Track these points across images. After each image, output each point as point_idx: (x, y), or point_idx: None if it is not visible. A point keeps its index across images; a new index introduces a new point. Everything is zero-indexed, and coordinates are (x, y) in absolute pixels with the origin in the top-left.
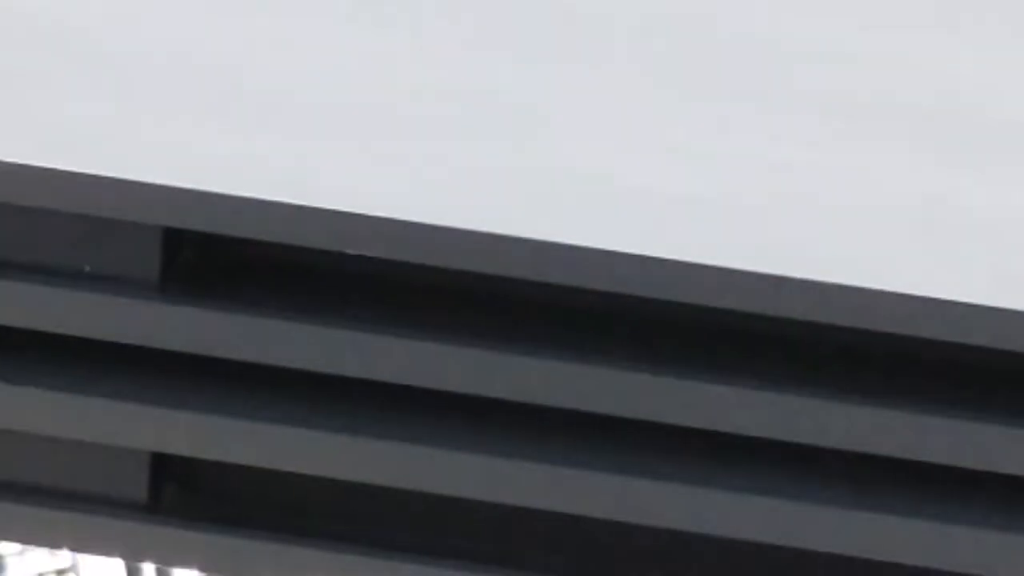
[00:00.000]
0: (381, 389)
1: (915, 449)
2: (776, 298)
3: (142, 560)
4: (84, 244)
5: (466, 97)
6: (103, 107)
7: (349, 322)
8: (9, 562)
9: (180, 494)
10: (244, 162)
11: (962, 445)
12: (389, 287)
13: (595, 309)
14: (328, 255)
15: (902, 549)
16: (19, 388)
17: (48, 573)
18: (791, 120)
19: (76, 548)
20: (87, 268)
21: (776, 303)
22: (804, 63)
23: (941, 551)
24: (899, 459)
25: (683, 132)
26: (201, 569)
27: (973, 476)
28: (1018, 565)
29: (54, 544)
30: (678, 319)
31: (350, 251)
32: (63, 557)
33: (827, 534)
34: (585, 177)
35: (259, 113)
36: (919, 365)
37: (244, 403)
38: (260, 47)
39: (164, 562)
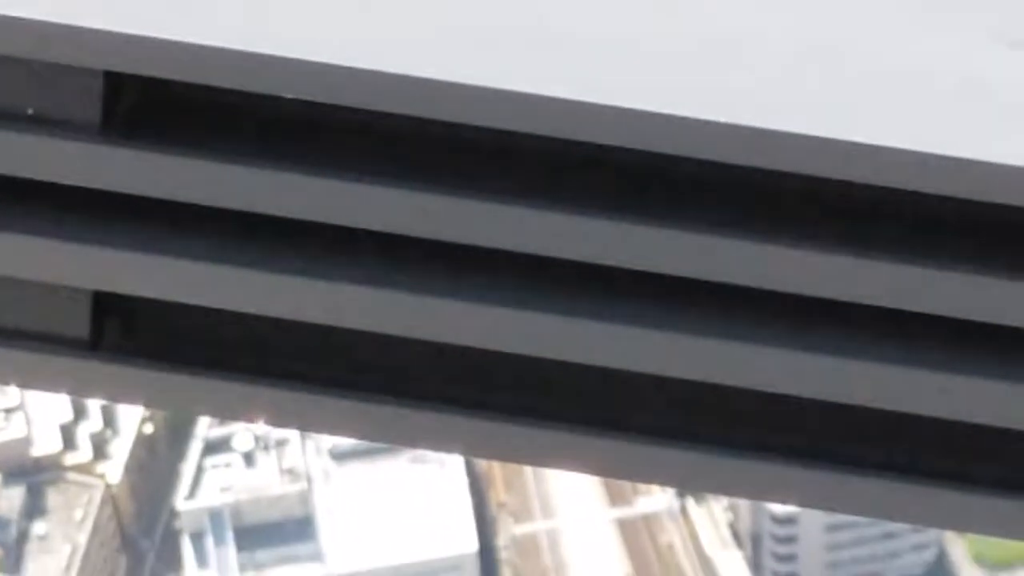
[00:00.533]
0: (322, 229)
1: (904, 298)
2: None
3: (86, 396)
4: (27, 88)
5: None
6: None
7: (284, 163)
8: None
9: (121, 332)
10: (186, 6)
11: (954, 296)
12: (331, 131)
13: (574, 159)
14: (269, 99)
15: (896, 397)
16: None
17: None
18: None
19: (21, 385)
20: (30, 111)
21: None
22: None
23: (937, 399)
24: (887, 309)
25: None
26: (143, 404)
27: (964, 326)
28: (1012, 413)
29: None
30: (666, 169)
31: (287, 95)
32: (11, 396)
33: (816, 381)
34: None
35: None
36: (902, 217)
37: (183, 243)
38: None
39: (107, 398)
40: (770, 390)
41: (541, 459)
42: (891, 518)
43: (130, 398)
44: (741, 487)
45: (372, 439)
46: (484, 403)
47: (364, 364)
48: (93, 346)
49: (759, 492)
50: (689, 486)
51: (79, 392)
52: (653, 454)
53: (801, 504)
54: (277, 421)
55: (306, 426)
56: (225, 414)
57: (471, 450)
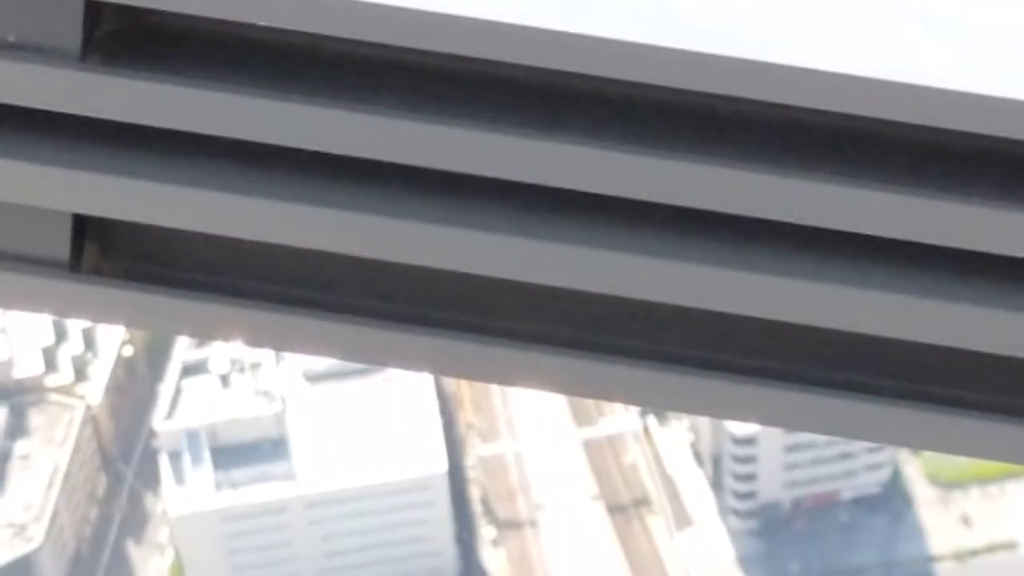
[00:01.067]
0: (296, 154)
1: (905, 228)
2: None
3: (66, 316)
4: (8, 15)
5: None
6: None
7: (259, 89)
8: None
9: (100, 254)
10: None
11: (953, 225)
12: (306, 58)
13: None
14: (245, 27)
15: (897, 324)
16: None
17: None
18: None
19: (3, 305)
20: (11, 38)
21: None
22: None
23: (939, 327)
24: (889, 239)
25: None
26: (122, 324)
27: (962, 255)
28: (1008, 340)
29: None
30: (676, 104)
31: (261, 22)
32: None
33: (822, 309)
34: None
35: None
36: (903, 148)
37: (161, 167)
38: None
39: (87, 317)
40: (740, 313)
41: (510, 378)
42: (851, 436)
43: (109, 318)
44: (706, 406)
45: (345, 358)
46: (454, 323)
47: (338, 285)
48: (73, 267)
49: (723, 411)
50: (653, 404)
51: (60, 312)
52: (618, 373)
53: (762, 422)
54: (253, 341)
55: (281, 346)
56: (202, 334)
57: (441, 369)
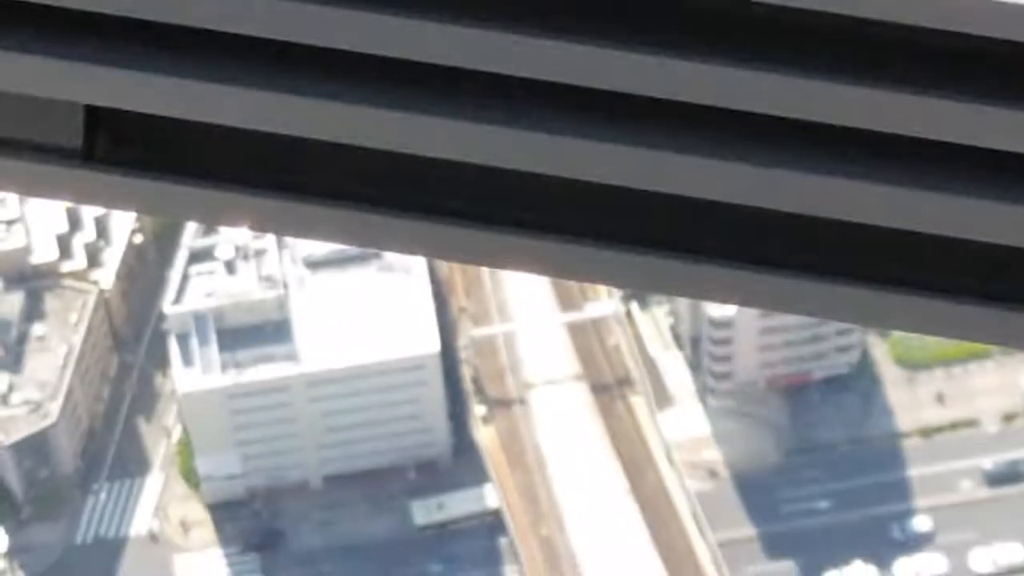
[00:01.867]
0: (302, 48)
1: (909, 125)
2: None
3: (79, 203)
4: None
5: None
6: None
7: None
8: None
9: (113, 143)
10: None
11: (955, 122)
12: None
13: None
14: None
15: (899, 215)
16: None
17: None
18: None
19: (19, 192)
20: None
21: None
22: None
23: (940, 218)
24: (895, 136)
25: None
26: (133, 211)
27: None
28: (1004, 230)
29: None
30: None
31: None
32: (11, 208)
33: (832, 202)
34: None
35: None
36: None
37: (171, 60)
38: None
39: (99, 204)
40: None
41: (501, 261)
42: (824, 316)
43: (121, 205)
44: (691, 288)
45: (345, 243)
46: (447, 209)
47: (340, 174)
48: (86, 156)
49: (705, 293)
50: (640, 287)
51: (74, 199)
52: (607, 257)
53: (740, 304)
54: (259, 226)
55: (285, 231)
56: (210, 220)
57: (435, 253)
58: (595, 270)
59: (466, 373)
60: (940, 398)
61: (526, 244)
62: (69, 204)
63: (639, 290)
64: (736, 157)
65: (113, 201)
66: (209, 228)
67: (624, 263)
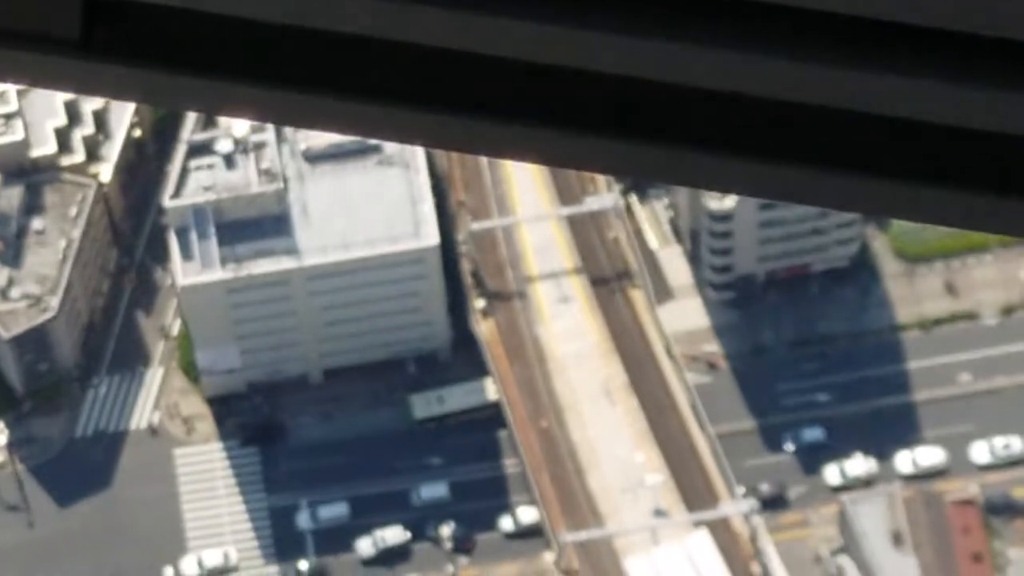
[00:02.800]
0: None
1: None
2: None
3: (77, 92)
4: None
5: None
6: None
7: None
8: None
9: (110, 33)
10: None
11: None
12: None
13: None
14: None
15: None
16: None
17: None
18: None
19: (17, 82)
20: None
21: None
22: None
23: (931, 104)
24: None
25: None
26: (131, 100)
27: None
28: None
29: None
30: None
31: None
32: (9, 102)
33: (824, 90)
34: None
35: None
36: None
37: None
38: None
39: (97, 94)
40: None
41: (499, 151)
42: (824, 205)
43: (118, 95)
44: (694, 177)
45: (345, 132)
46: (446, 100)
47: (337, 64)
48: (84, 46)
49: (709, 182)
50: (643, 174)
51: (72, 89)
52: (606, 146)
53: (746, 193)
54: (257, 116)
55: (284, 121)
56: (207, 110)
57: (432, 142)
58: (590, 159)
59: (465, 267)
60: (940, 291)
61: (524, 133)
62: (68, 98)
63: (645, 178)
64: (742, 47)
65: (110, 91)
66: (208, 122)
67: (625, 152)
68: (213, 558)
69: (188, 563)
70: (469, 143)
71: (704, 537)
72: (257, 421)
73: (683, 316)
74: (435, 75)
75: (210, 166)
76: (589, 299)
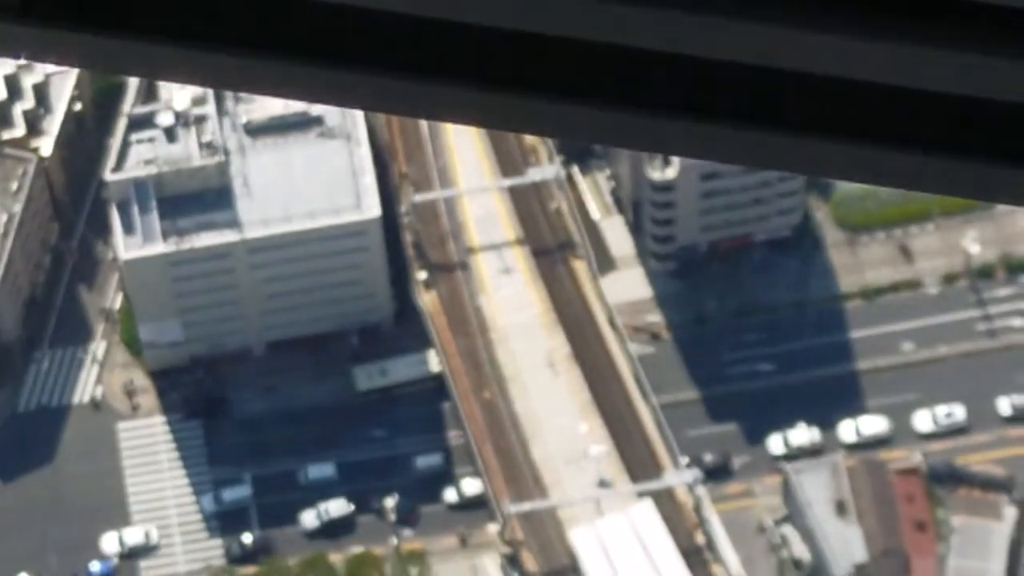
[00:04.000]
0: None
1: None
2: None
3: (18, 58)
4: None
5: None
6: None
7: None
8: None
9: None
10: None
11: None
12: None
13: None
14: None
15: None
16: None
17: None
18: None
19: None
20: None
21: None
22: None
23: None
24: None
25: None
26: (73, 65)
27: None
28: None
29: None
30: None
31: None
32: None
33: (824, 57)
34: None
35: None
36: None
37: None
38: None
39: (37, 59)
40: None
41: (442, 114)
42: (776, 168)
43: (60, 60)
44: (645, 141)
45: (289, 97)
46: (392, 63)
47: (282, 28)
48: (24, 11)
49: (664, 146)
50: (595, 139)
51: (12, 54)
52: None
53: (704, 157)
54: (200, 81)
55: (225, 85)
56: (150, 75)
57: (377, 106)
58: (537, 122)
59: (407, 239)
60: (883, 260)
61: (469, 96)
62: (8, 71)
63: (596, 143)
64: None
65: (52, 56)
66: (149, 95)
67: (576, 116)
68: (134, 536)
69: (108, 540)
70: (411, 107)
71: (648, 507)
72: (200, 394)
73: (625, 287)
74: (375, 36)
75: (151, 139)
76: (531, 270)
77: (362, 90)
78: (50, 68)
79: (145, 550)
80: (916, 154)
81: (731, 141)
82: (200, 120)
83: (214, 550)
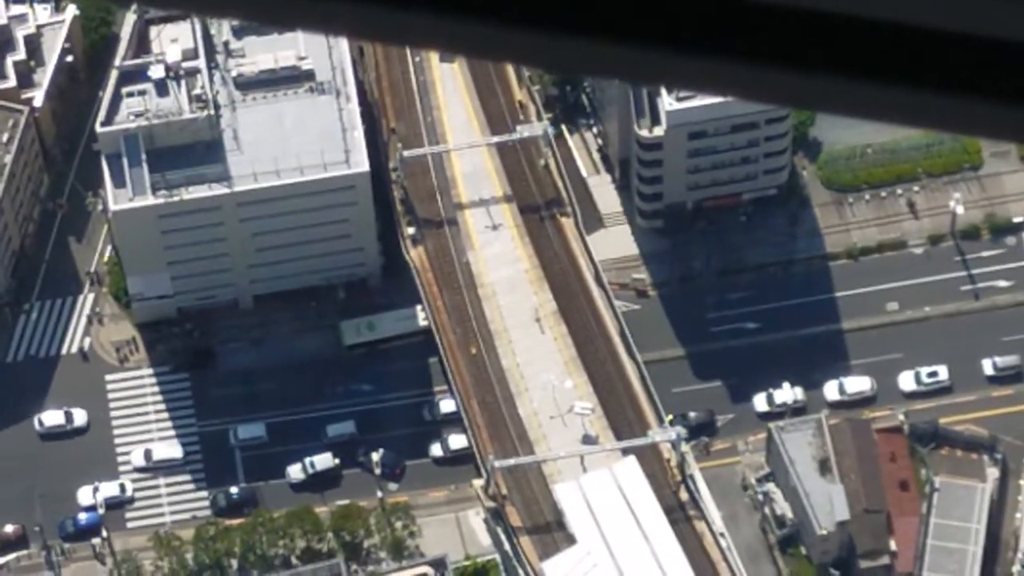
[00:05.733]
0: None
1: None
2: None
3: None
4: None
5: None
6: None
7: None
8: None
9: None
10: None
11: None
12: None
13: None
14: None
15: None
16: None
17: None
18: None
19: None
20: None
21: None
22: None
23: None
24: None
25: None
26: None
27: None
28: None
29: None
30: None
31: None
32: None
33: None
34: None
35: None
36: None
37: None
38: None
39: None
40: None
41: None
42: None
43: None
44: (629, 71)
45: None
46: None
47: None
48: None
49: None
50: (575, 71)
51: None
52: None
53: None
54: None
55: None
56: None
57: (358, 33)
58: (531, 55)
59: (396, 194)
60: (869, 219)
61: (448, 26)
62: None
63: (576, 74)
64: None
65: None
66: (140, 48)
67: (561, 47)
68: (110, 489)
69: (84, 493)
70: (393, 35)
71: (632, 464)
72: (188, 347)
73: (612, 244)
74: None
75: (142, 92)
76: (519, 227)
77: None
78: (42, 19)
79: (120, 503)
80: None
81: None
82: (191, 74)
83: (200, 502)
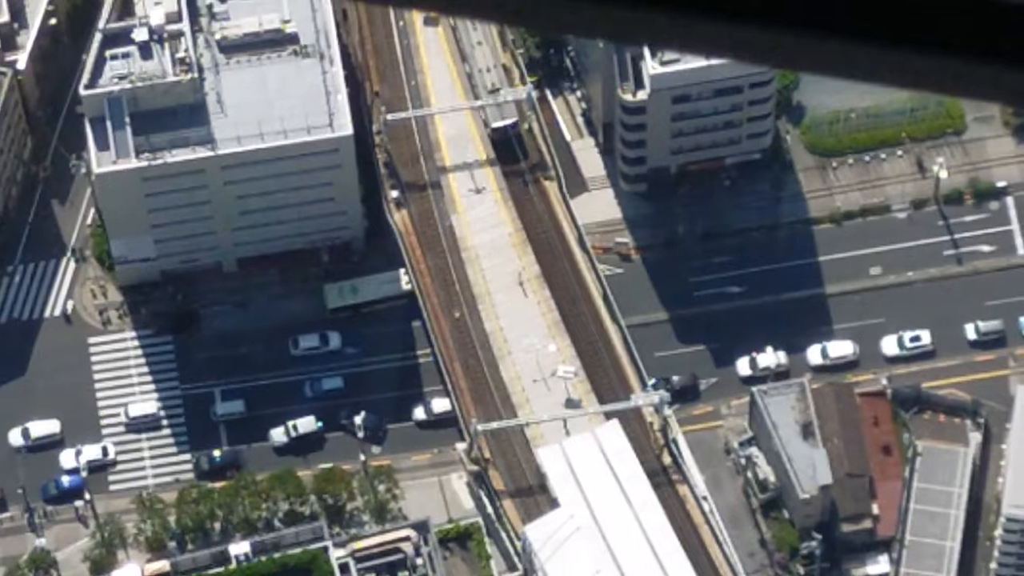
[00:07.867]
0: None
1: None
2: None
3: None
4: None
5: None
6: None
7: None
8: None
9: None
10: None
11: None
12: None
13: None
14: None
15: None
16: None
17: None
18: None
19: None
20: None
21: None
22: None
23: None
24: None
25: None
26: None
27: None
28: None
29: None
30: None
31: None
32: None
33: None
34: None
35: None
36: None
37: None
38: None
39: None
40: None
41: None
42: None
43: None
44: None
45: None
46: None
47: None
48: None
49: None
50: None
51: None
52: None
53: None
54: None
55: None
56: None
57: None
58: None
59: (380, 157)
60: (853, 183)
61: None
62: None
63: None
64: None
65: None
66: (124, 11)
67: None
68: (91, 452)
69: (65, 456)
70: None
71: (615, 428)
72: (171, 310)
73: (596, 208)
74: None
75: (126, 55)
76: (502, 190)
77: None
78: None
79: (103, 466)
80: None
81: None
82: (174, 37)
83: (183, 465)
